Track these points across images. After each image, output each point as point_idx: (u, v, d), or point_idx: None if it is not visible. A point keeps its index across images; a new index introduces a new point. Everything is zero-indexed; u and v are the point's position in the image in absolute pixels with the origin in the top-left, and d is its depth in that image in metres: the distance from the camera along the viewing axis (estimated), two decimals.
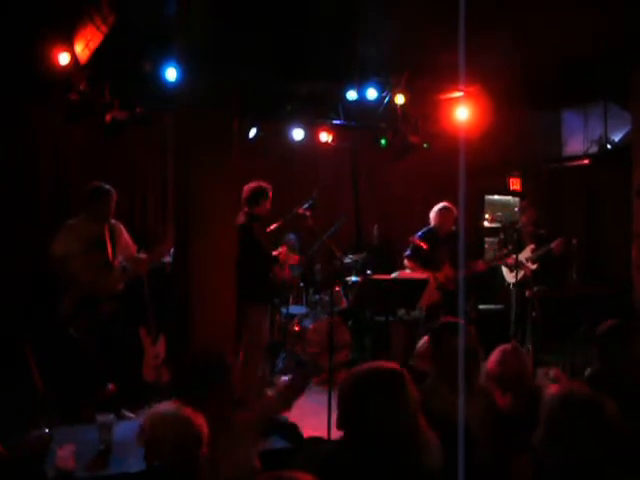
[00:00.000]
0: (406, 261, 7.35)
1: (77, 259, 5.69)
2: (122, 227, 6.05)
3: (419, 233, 7.33)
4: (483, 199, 10.09)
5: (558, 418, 2.22)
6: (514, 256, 7.46)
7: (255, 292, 5.81)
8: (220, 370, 3.08)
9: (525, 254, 7.66)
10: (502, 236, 7.98)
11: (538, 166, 10.05)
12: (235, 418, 3.13)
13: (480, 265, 7.17)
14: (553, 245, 7.38)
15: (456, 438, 1.95)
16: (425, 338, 3.78)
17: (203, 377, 3.06)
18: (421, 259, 7.22)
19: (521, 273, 7.55)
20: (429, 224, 7.33)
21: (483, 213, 10.03)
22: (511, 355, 3.49)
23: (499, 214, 9.83)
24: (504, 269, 7.80)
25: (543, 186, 9.96)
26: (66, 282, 5.69)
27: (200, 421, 2.53)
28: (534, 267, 7.59)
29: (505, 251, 7.63)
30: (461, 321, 3.40)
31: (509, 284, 7.74)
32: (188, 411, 2.53)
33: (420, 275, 6.87)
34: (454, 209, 7.28)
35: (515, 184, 10.18)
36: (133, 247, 6.08)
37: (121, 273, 5.91)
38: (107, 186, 5.88)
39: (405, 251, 7.40)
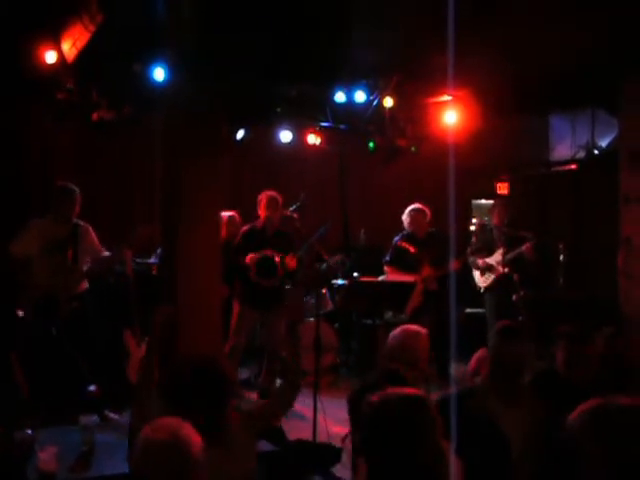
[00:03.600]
0: (385, 267, 7.38)
1: (35, 259, 5.63)
2: (89, 229, 5.96)
3: (397, 237, 7.37)
4: (471, 203, 10.11)
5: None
6: (485, 259, 7.46)
7: (242, 294, 5.83)
8: (217, 382, 2.97)
9: (496, 257, 7.60)
10: (474, 239, 7.91)
11: (526, 170, 10.08)
12: (231, 430, 3.01)
13: (454, 263, 7.14)
14: (524, 248, 7.32)
15: (500, 452, 1.91)
16: (397, 332, 3.79)
17: (197, 388, 2.95)
18: (401, 263, 7.25)
19: (492, 277, 7.52)
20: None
21: (470, 217, 10.06)
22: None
23: (486, 219, 9.84)
24: (475, 273, 7.73)
25: (531, 190, 9.98)
26: (23, 282, 5.65)
27: (197, 446, 2.26)
28: (505, 270, 7.50)
29: (469, 250, 7.57)
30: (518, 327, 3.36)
31: (480, 288, 7.67)
32: (185, 432, 2.26)
33: (408, 278, 6.89)
34: (426, 210, 7.32)
35: (503, 188, 10.19)
36: (100, 250, 5.99)
37: (82, 275, 5.85)
38: (71, 186, 5.80)
39: (385, 256, 7.44)
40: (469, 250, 7.62)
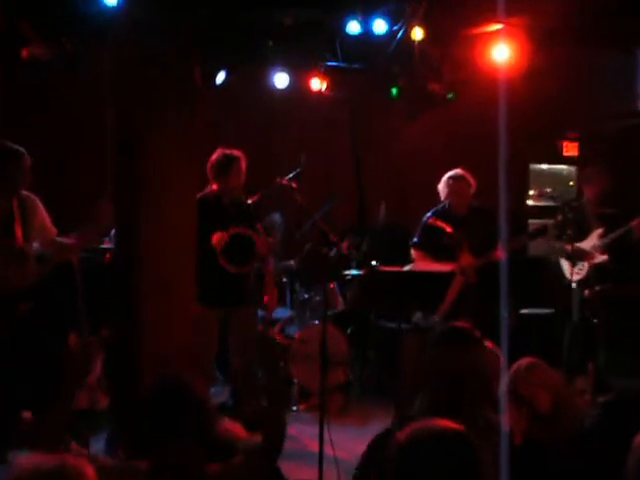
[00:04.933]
0: (413, 252, 7.47)
1: None
2: (38, 202, 5.98)
3: (429, 214, 7.44)
4: (527, 169, 10.13)
5: None
6: (576, 245, 7.56)
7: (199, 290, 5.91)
8: (189, 411, 2.98)
9: (591, 241, 7.71)
10: (560, 217, 7.96)
11: (603, 125, 10.01)
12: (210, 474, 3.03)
13: (497, 253, 7.13)
14: (635, 224, 7.37)
15: None
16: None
17: (164, 418, 2.94)
18: (433, 248, 7.34)
19: (586, 267, 7.64)
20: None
21: (527, 188, 10.07)
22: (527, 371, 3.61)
23: (549, 190, 9.87)
24: (563, 262, 7.82)
25: (609, 151, 9.91)
26: None
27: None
28: (602, 258, 7.63)
29: (536, 229, 7.65)
30: (473, 329, 3.44)
31: (570, 282, 7.74)
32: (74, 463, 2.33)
33: (443, 267, 6.97)
34: (470, 178, 7.39)
35: (570, 149, 10.18)
36: (52, 229, 6.02)
37: (36, 263, 5.88)
38: (16, 147, 5.83)
39: (414, 237, 7.52)
40: (552, 233, 7.77)
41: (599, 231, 7.69)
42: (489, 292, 7.24)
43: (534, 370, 3.72)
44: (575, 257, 7.59)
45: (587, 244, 7.70)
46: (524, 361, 3.69)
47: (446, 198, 7.41)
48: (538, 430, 3.49)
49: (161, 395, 3.02)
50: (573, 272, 7.65)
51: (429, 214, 7.44)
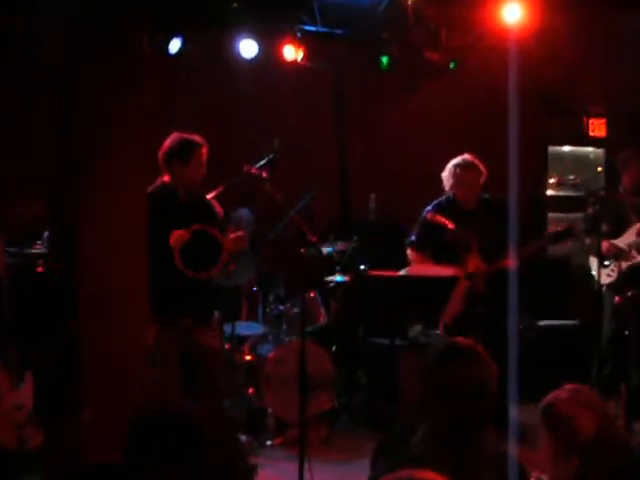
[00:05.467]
0: (409, 251, 7.42)
1: None
2: None
3: (429, 207, 7.37)
4: (546, 152, 10.11)
5: None
6: (611, 241, 7.52)
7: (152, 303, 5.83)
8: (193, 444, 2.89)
9: (628, 237, 7.67)
10: (591, 209, 7.91)
11: (634, 100, 10.01)
12: None
13: (509, 261, 7.01)
14: None
15: None
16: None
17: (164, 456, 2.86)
18: (434, 248, 7.29)
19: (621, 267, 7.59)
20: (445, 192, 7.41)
21: (546, 174, 10.07)
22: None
23: (571, 177, 9.82)
24: (592, 262, 7.79)
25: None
26: None
27: None
28: None
29: (559, 231, 7.49)
30: (474, 345, 3.45)
31: (602, 286, 7.71)
32: None
33: (444, 271, 6.89)
34: (480, 165, 7.31)
35: (597, 128, 10.17)
36: None
37: None
38: None
39: (410, 235, 7.46)
40: (577, 228, 7.70)
41: (639, 226, 7.66)
42: (501, 302, 7.25)
43: (579, 392, 3.73)
44: (610, 256, 7.56)
45: (624, 241, 7.67)
46: (567, 385, 3.71)
47: (451, 189, 7.36)
48: (580, 462, 3.51)
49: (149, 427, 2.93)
50: (602, 274, 7.65)
51: (429, 208, 7.37)
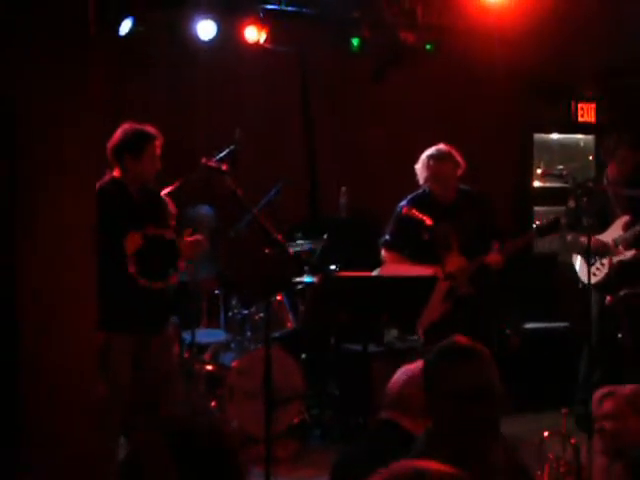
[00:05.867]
0: (383, 251, 7.38)
1: None
2: None
3: (403, 202, 7.31)
4: (531, 141, 10.11)
5: None
6: (596, 237, 7.49)
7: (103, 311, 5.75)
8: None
9: (614, 232, 7.68)
10: (572, 202, 7.86)
11: (627, 80, 9.98)
12: None
13: (492, 257, 7.09)
14: None
15: None
16: (408, 368, 4.13)
17: None
18: (410, 246, 7.23)
19: (606, 266, 7.62)
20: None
21: (531, 165, 10.08)
22: None
23: (560, 167, 9.78)
24: (577, 260, 7.83)
25: (634, 115, 9.88)
26: None
27: None
28: (629, 254, 7.59)
29: (546, 224, 7.40)
30: (477, 344, 3.49)
31: (585, 285, 7.61)
32: None
33: (421, 270, 6.84)
34: (457, 155, 7.26)
35: (587, 113, 10.19)
36: None
37: None
38: None
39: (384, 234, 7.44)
40: (544, 222, 7.58)
41: (625, 219, 7.68)
42: (484, 304, 7.19)
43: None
44: (594, 253, 7.49)
45: (609, 236, 7.68)
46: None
47: (426, 182, 7.31)
48: None
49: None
50: (589, 273, 7.50)
51: (403, 202, 7.33)
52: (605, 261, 7.63)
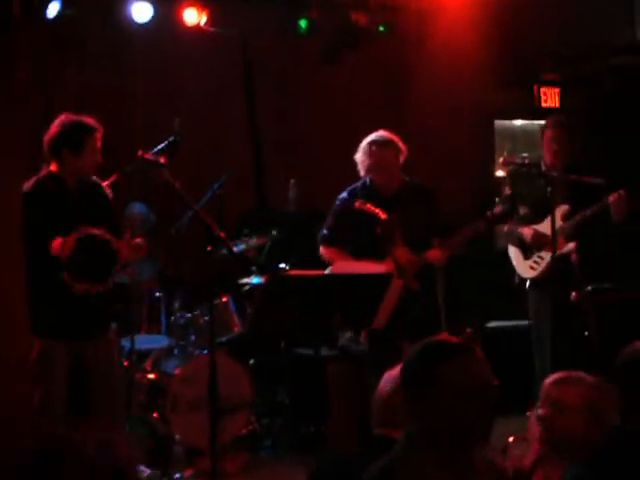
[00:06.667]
0: (322, 248, 7.45)
1: None
2: None
3: (343, 194, 7.41)
4: (492, 128, 10.26)
5: None
6: (533, 227, 7.63)
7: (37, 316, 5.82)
8: None
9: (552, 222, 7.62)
10: (508, 190, 8.03)
11: (591, 63, 10.16)
12: None
13: (432, 253, 7.18)
14: (611, 200, 7.39)
15: None
16: (390, 375, 4.00)
17: None
18: (354, 241, 7.33)
19: (546, 259, 7.63)
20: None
21: (493, 153, 10.22)
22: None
23: (524, 155, 9.93)
24: (512, 252, 7.87)
25: (599, 99, 10.08)
26: None
27: None
28: (569, 247, 7.62)
29: (487, 218, 7.51)
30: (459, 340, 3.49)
31: (522, 281, 7.82)
32: None
33: (376, 267, 6.96)
34: (399, 142, 7.33)
35: (550, 98, 10.34)
36: None
37: None
38: None
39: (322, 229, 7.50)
40: (496, 210, 7.65)
41: (563, 209, 7.68)
42: (435, 301, 7.31)
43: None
44: (532, 245, 7.66)
45: (547, 228, 7.60)
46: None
47: (368, 172, 7.36)
48: None
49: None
50: (524, 266, 7.75)
51: (344, 195, 7.43)
52: (543, 254, 7.63)
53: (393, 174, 7.37)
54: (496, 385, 3.37)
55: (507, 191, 8.03)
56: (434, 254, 7.18)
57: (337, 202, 7.44)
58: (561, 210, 7.64)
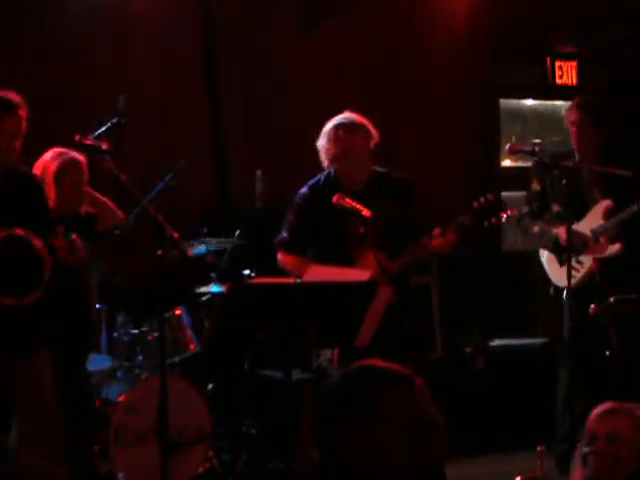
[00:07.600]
0: (280, 255, 7.35)
1: None
2: None
3: (304, 189, 7.32)
4: (497, 109, 10.27)
5: None
6: (569, 227, 7.44)
7: None
8: None
9: (592, 221, 7.77)
10: (537, 186, 8.01)
11: (611, 34, 10.19)
12: None
13: (437, 241, 6.99)
14: None
15: None
16: None
17: None
18: (320, 243, 7.25)
19: (586, 266, 7.69)
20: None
21: (499, 140, 10.23)
22: None
23: (536, 141, 9.88)
24: (546, 258, 7.91)
25: (623, 75, 10.05)
26: None
27: None
28: (615, 250, 7.69)
29: (474, 210, 7.28)
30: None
31: (559, 290, 7.80)
32: None
33: (357, 274, 6.83)
34: (368, 125, 7.21)
35: (566, 74, 10.34)
36: None
37: None
38: None
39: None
40: (525, 210, 7.84)
41: (605, 204, 7.75)
42: (428, 314, 7.23)
43: None
44: (569, 249, 7.48)
45: (586, 226, 7.75)
46: None
47: (333, 161, 7.21)
48: None
49: None
50: (561, 273, 7.66)
51: (304, 190, 7.34)
52: (583, 258, 7.70)
53: (363, 164, 7.26)
54: (443, 428, 3.24)
55: (535, 187, 8.01)
56: (437, 242, 7.01)
57: (297, 199, 7.35)
58: (602, 206, 7.77)
